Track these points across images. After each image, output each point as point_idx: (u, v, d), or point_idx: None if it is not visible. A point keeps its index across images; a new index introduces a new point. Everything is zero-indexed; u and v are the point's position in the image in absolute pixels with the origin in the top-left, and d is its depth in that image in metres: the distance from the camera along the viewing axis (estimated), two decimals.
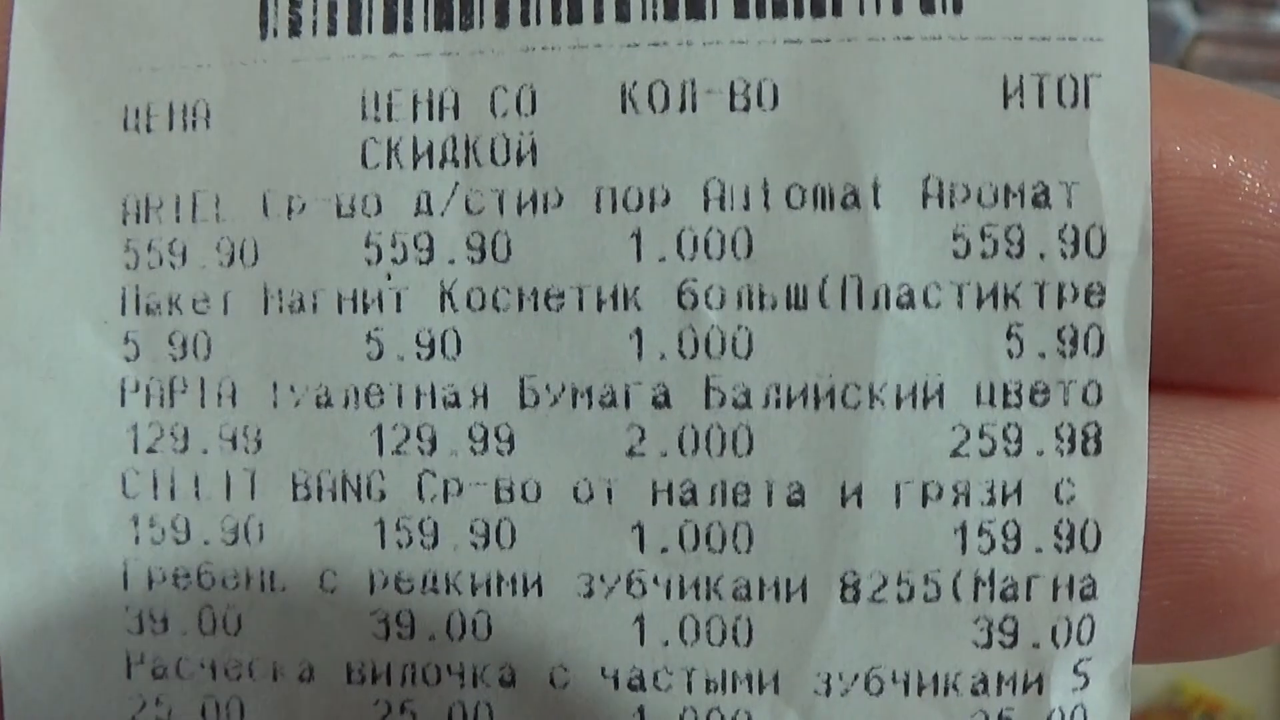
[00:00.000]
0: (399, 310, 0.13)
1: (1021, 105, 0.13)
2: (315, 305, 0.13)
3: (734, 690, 0.13)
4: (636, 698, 0.14)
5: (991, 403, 0.13)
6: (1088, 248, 0.13)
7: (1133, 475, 0.13)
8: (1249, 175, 0.12)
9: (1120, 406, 0.13)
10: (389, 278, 0.13)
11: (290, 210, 0.13)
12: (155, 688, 0.14)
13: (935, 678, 0.13)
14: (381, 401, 0.13)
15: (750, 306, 0.13)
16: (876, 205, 0.13)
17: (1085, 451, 0.13)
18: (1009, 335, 0.13)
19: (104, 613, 0.14)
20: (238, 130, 0.13)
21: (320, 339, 0.13)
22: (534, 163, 0.13)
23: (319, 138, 0.13)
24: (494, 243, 0.13)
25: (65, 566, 0.14)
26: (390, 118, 0.13)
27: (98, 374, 0.14)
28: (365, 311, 0.13)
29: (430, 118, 0.13)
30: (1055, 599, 0.13)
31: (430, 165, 0.13)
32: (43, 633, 0.14)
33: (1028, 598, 0.13)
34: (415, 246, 0.13)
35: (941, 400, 0.13)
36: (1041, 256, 0.13)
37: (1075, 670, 0.13)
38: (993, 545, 0.13)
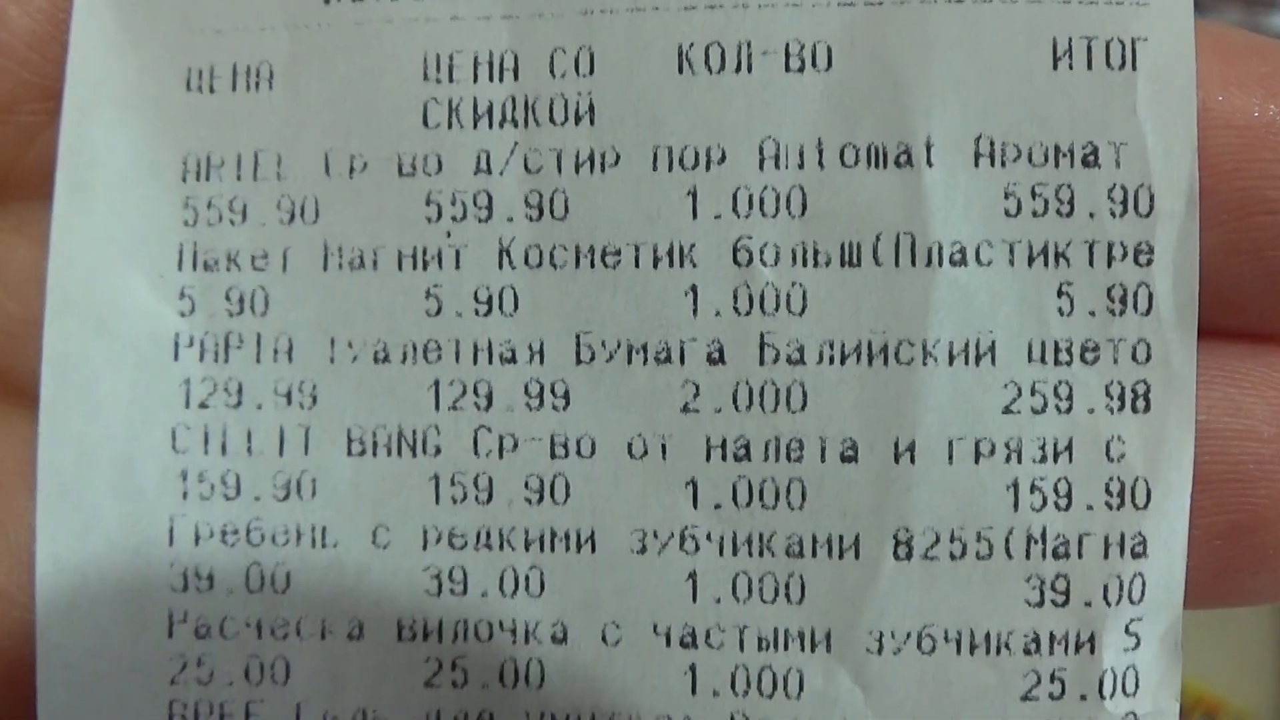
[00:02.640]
0: (458, 267, 0.14)
1: (1071, 67, 0.13)
2: (375, 262, 0.14)
3: (785, 648, 0.13)
4: (688, 655, 0.13)
5: (1043, 360, 0.13)
6: (1136, 207, 0.13)
7: (1181, 433, 0.13)
8: None
9: (1169, 365, 0.13)
10: (448, 235, 0.14)
11: (352, 169, 0.14)
12: (198, 647, 0.14)
13: (987, 637, 0.13)
14: (439, 357, 0.14)
15: (805, 264, 0.13)
16: (929, 164, 0.13)
17: (1135, 409, 0.13)
18: (1059, 294, 0.13)
19: (148, 569, 0.14)
20: (301, 91, 0.14)
21: (379, 295, 0.14)
22: (591, 122, 0.13)
23: (381, 98, 0.14)
24: (552, 201, 0.13)
25: (109, 521, 0.14)
26: (451, 79, 0.14)
27: (151, 328, 0.14)
28: (424, 268, 0.14)
29: (490, 79, 0.14)
30: (1106, 557, 0.13)
31: (490, 125, 0.14)
32: (82, 588, 0.14)
33: (1079, 555, 0.13)
34: (474, 205, 0.14)
35: (994, 357, 0.13)
36: (1091, 216, 0.13)
37: (1127, 630, 0.13)
38: (1044, 503, 0.13)
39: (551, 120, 0.14)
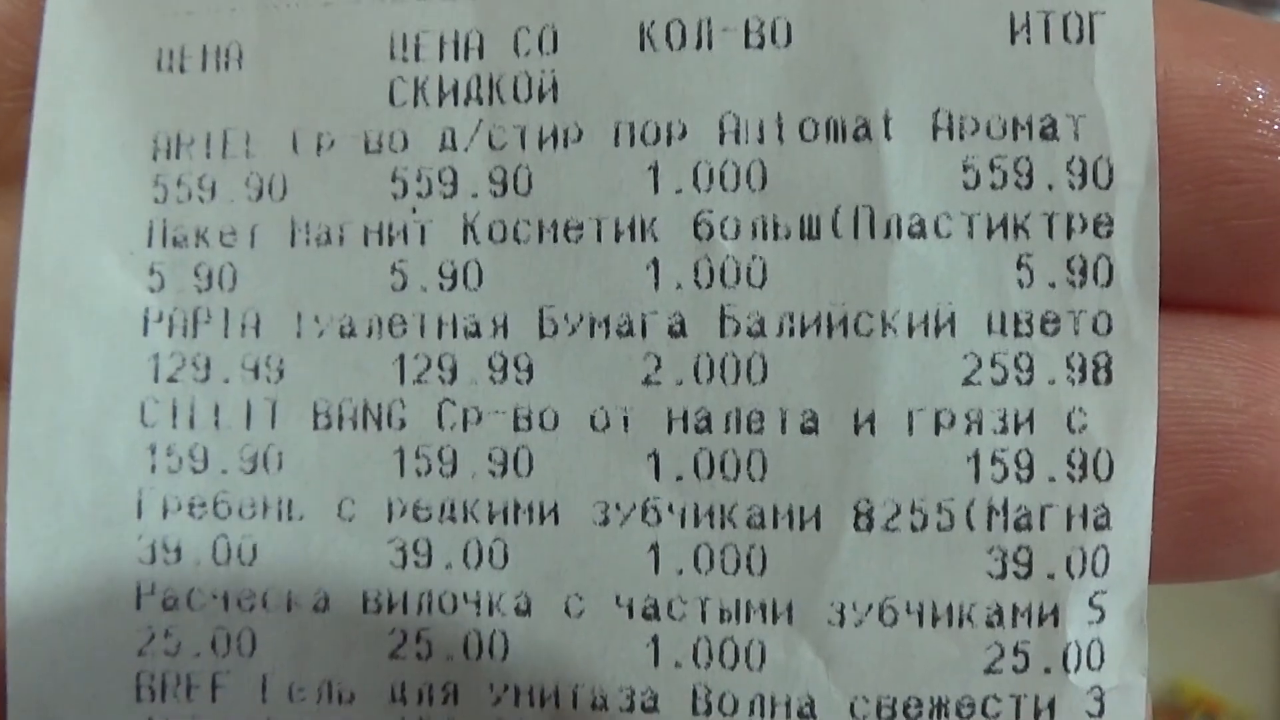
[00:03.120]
0: (423, 242, 0.14)
1: (1028, 41, 0.13)
2: (341, 238, 0.14)
3: (747, 620, 0.13)
4: (650, 627, 0.14)
5: (1003, 332, 0.13)
6: (1095, 179, 0.13)
7: (1144, 405, 0.13)
8: (1253, 93, 0.12)
9: (1130, 337, 0.13)
10: (414, 211, 0.14)
11: (319, 147, 0.14)
12: (165, 619, 0.14)
13: (950, 609, 0.13)
14: (404, 331, 0.14)
15: (764, 237, 0.13)
16: (888, 137, 0.13)
17: (1096, 381, 0.13)
18: (1019, 265, 0.13)
19: (116, 542, 0.14)
20: (270, 70, 0.14)
21: (345, 270, 0.14)
22: (555, 99, 0.14)
23: (348, 77, 0.14)
24: (515, 177, 0.14)
25: (79, 494, 0.14)
26: (417, 58, 0.14)
27: (121, 304, 0.14)
28: (390, 244, 0.14)
29: (456, 57, 0.14)
30: (1069, 529, 0.13)
31: (455, 103, 0.14)
32: (51, 559, 0.14)
33: (1041, 527, 0.13)
34: (440, 181, 0.14)
35: (953, 329, 0.13)
36: (1050, 188, 0.13)
37: (1090, 603, 0.13)
38: (1006, 474, 0.13)
39: (516, 98, 0.14)
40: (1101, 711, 0.13)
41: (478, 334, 0.14)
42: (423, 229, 0.14)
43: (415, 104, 0.14)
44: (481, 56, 0.14)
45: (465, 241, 0.14)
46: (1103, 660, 0.13)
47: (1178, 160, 0.13)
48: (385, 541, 0.14)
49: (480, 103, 0.14)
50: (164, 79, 0.14)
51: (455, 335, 0.14)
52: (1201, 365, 0.13)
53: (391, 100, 0.14)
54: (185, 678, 0.14)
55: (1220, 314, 0.14)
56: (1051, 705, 0.13)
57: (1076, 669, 0.13)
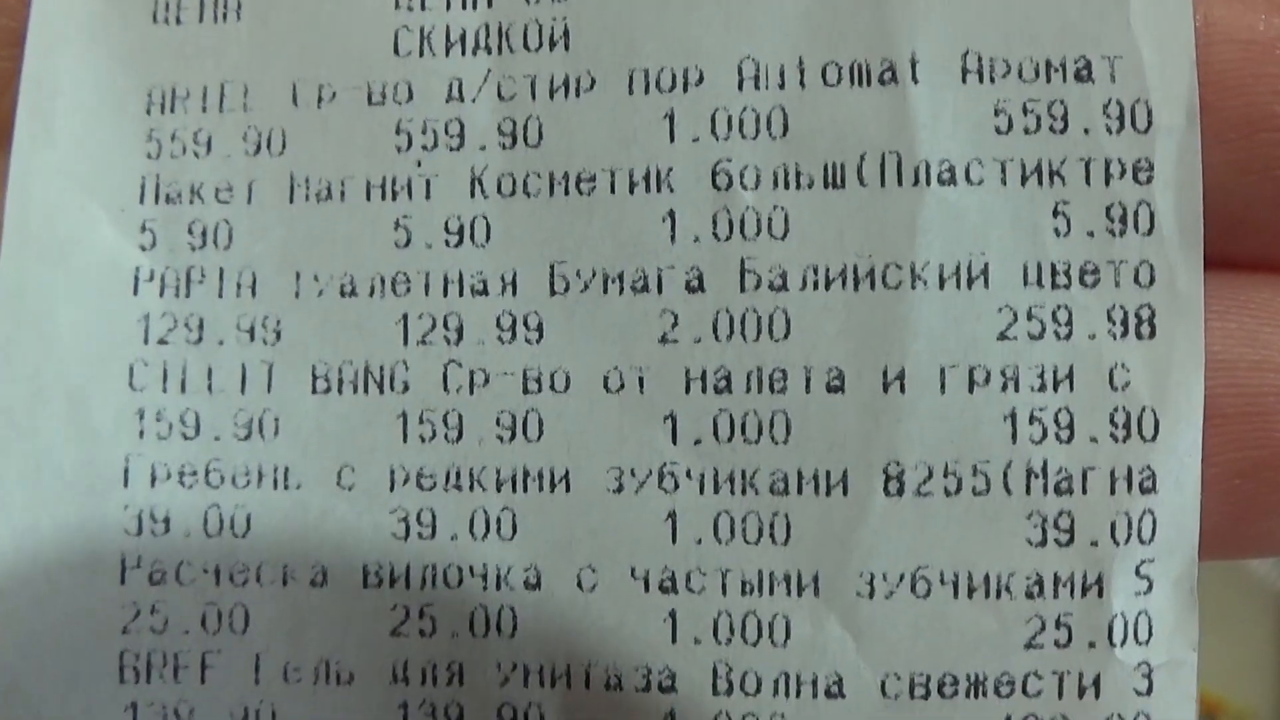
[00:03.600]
0: (428, 198, 0.13)
1: None
2: (343, 193, 0.13)
3: (771, 593, 0.13)
4: (668, 601, 0.13)
5: (1039, 283, 0.12)
6: (1134, 123, 0.12)
7: (1190, 361, 0.12)
8: None
9: (1174, 288, 0.12)
10: (419, 165, 0.13)
11: (320, 99, 0.13)
12: (152, 594, 0.13)
13: (986, 579, 0.12)
14: (408, 290, 0.13)
15: (786, 186, 0.13)
16: (915, 80, 0.13)
17: (1139, 335, 0.12)
18: (1055, 213, 0.12)
19: (101, 511, 0.13)
20: (268, 21, 0.13)
21: (347, 227, 0.13)
22: (566, 47, 0.13)
23: (350, 27, 0.13)
24: (525, 128, 0.13)
25: (62, 461, 0.13)
26: (423, 7, 0.13)
27: (111, 263, 0.13)
28: (394, 199, 0.13)
29: (463, 6, 0.13)
30: (1113, 492, 0.12)
31: (463, 52, 0.13)
32: (32, 531, 0.13)
33: (1084, 491, 0.12)
34: (446, 133, 0.13)
35: (986, 280, 0.12)
36: (1086, 132, 0.12)
37: (1137, 572, 0.12)
38: (1044, 434, 0.12)
39: (526, 46, 0.13)
40: (1150, 689, 0.12)
41: (485, 292, 0.13)
42: (428, 183, 0.13)
43: (420, 54, 0.13)
44: (490, 4, 0.13)
45: (473, 196, 0.13)
46: (1151, 634, 0.12)
47: (1220, 107, 0.12)
48: (387, 511, 0.13)
49: (489, 52, 0.13)
50: (159, 31, 0.13)
51: (462, 294, 0.13)
52: (1249, 325, 0.13)
53: (396, 50, 0.13)
54: (173, 657, 0.13)
55: (1268, 273, 0.13)
56: (1096, 682, 0.12)
57: (1123, 643, 0.12)
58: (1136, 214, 0.12)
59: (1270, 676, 0.46)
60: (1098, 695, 0.12)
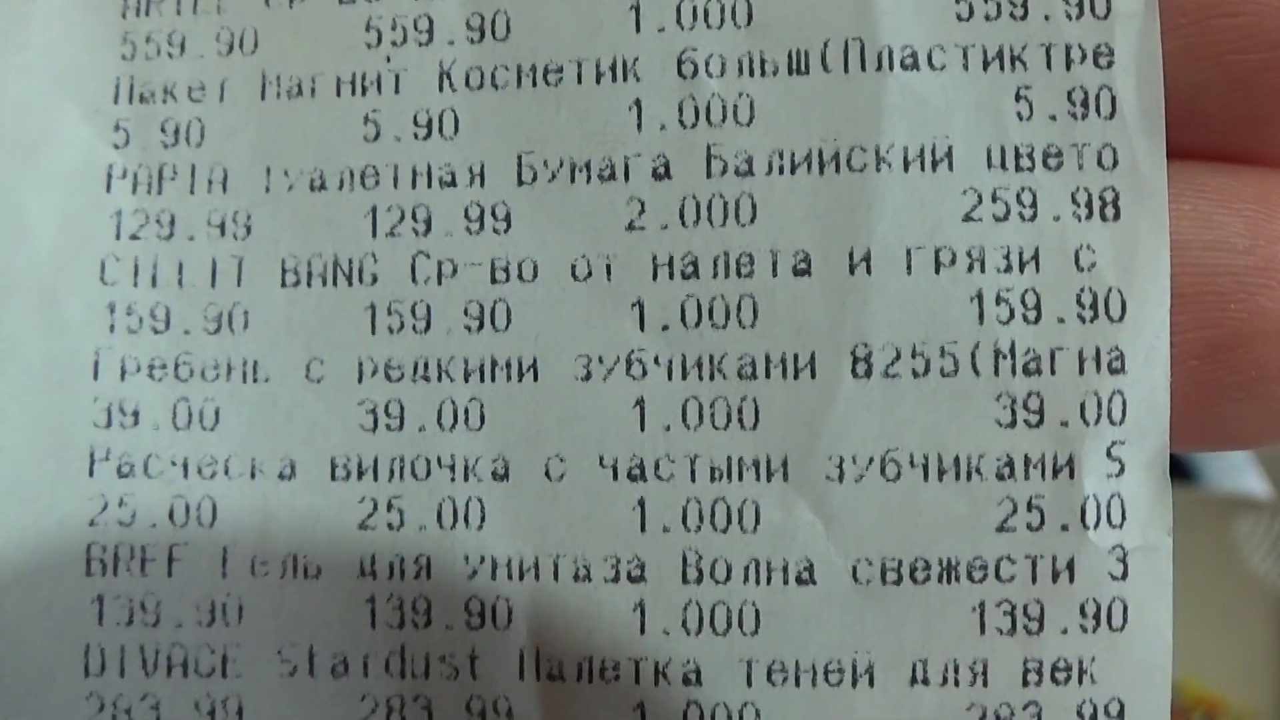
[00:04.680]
0: (397, 92, 0.13)
1: None
2: (313, 90, 0.13)
3: (740, 478, 0.13)
4: (637, 489, 0.13)
5: (1003, 166, 0.12)
6: (1093, 9, 0.12)
7: (1155, 242, 0.12)
8: None
9: (1137, 171, 0.12)
10: (388, 60, 0.13)
11: None
12: (119, 487, 0.13)
13: (957, 460, 0.12)
14: (377, 183, 0.13)
15: (751, 74, 0.13)
16: None
17: (1104, 217, 0.12)
18: (1018, 98, 0.13)
19: (69, 404, 0.13)
20: None
21: (317, 123, 0.13)
22: None
23: None
24: (493, 22, 0.13)
25: (31, 354, 0.13)
26: None
27: (84, 160, 0.13)
28: (363, 94, 0.13)
29: None
30: (1082, 373, 0.12)
31: None
32: (0, 423, 0.13)
33: (1052, 372, 0.12)
34: (415, 29, 0.13)
35: (951, 163, 0.13)
36: (1046, 18, 0.13)
37: (1109, 454, 0.12)
38: (1012, 315, 0.12)
39: None
40: (1125, 574, 0.12)
41: (453, 184, 0.13)
42: (397, 78, 0.13)
43: None
44: None
45: (441, 90, 0.13)
46: (1124, 518, 0.12)
47: None
48: (355, 403, 0.13)
49: None
50: None
51: (430, 186, 0.13)
52: (1204, 207, 0.13)
53: None
54: (140, 550, 0.13)
55: (1222, 161, 0.13)
56: (1070, 566, 0.12)
57: (1096, 526, 0.12)
58: (1098, 98, 0.12)
59: (1270, 676, 0.46)
60: (1072, 580, 0.12)
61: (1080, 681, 0.12)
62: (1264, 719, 0.45)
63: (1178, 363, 0.12)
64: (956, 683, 0.12)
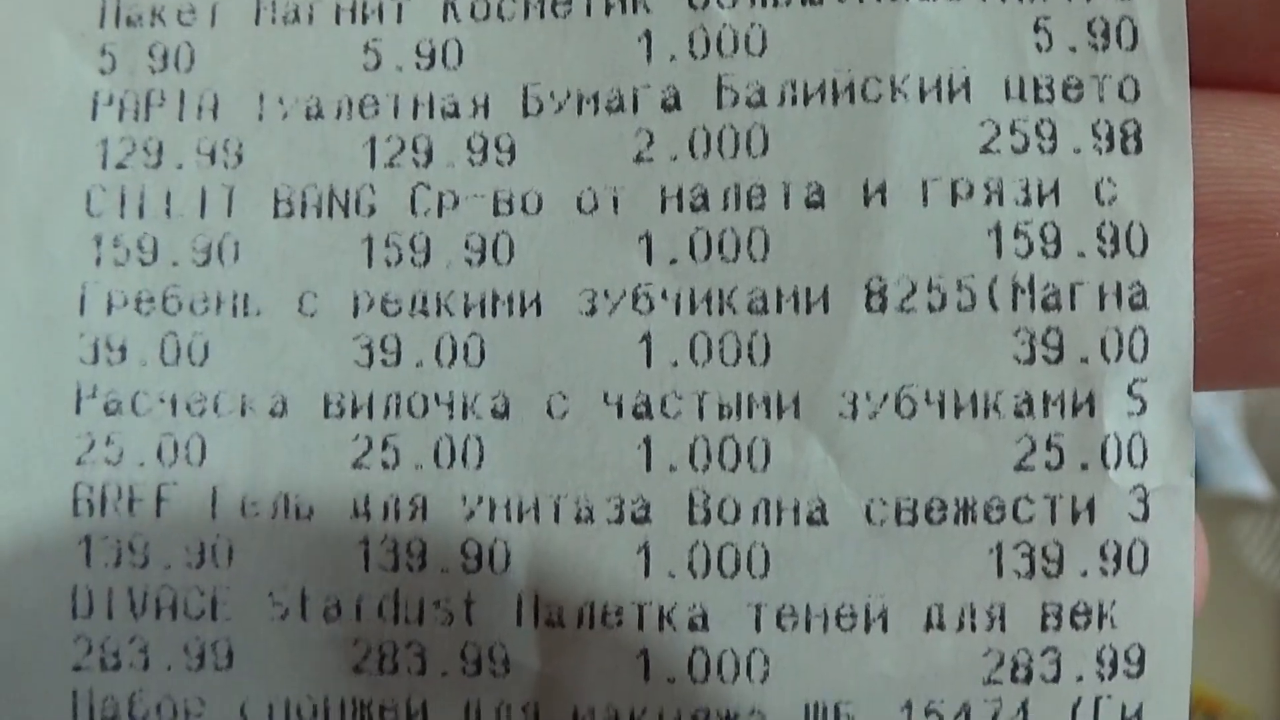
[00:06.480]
0: (399, 21, 0.13)
1: None
2: (311, 16, 0.13)
3: (749, 415, 0.12)
4: (642, 426, 0.12)
5: (1021, 98, 0.12)
6: None
7: (1178, 176, 0.12)
8: None
9: (1159, 102, 0.12)
10: None
11: None
12: (107, 424, 0.12)
13: (974, 397, 0.12)
14: (376, 113, 0.13)
15: (764, 3, 0.12)
16: None
17: (1125, 150, 0.12)
18: (1036, 28, 0.12)
19: (56, 340, 0.12)
20: None
21: (314, 50, 0.13)
22: None
23: None
24: None
25: (17, 289, 0.13)
26: None
27: (69, 88, 0.13)
28: (364, 22, 0.13)
29: None
30: (1102, 308, 0.12)
31: None
32: None
33: (1072, 307, 0.12)
34: None
35: (968, 94, 0.12)
36: None
37: (1130, 392, 0.12)
38: (1030, 249, 0.12)
39: None
40: (1146, 515, 0.12)
41: (456, 114, 0.13)
42: (399, 7, 0.13)
43: None
44: None
45: (445, 20, 0.13)
46: (1146, 457, 0.12)
47: None
48: (350, 338, 0.12)
49: None
50: None
51: (432, 116, 0.13)
52: (1243, 135, 0.12)
53: None
54: (128, 489, 0.12)
55: (1259, 91, 0.13)
56: (1090, 506, 0.12)
57: (1117, 465, 0.12)
58: (1119, 29, 0.12)
59: (1270, 676, 0.46)
60: (1092, 520, 0.12)
61: (1100, 626, 0.12)
62: (1264, 719, 0.45)
63: (1222, 293, 0.12)
64: (973, 627, 0.12)
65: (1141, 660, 0.12)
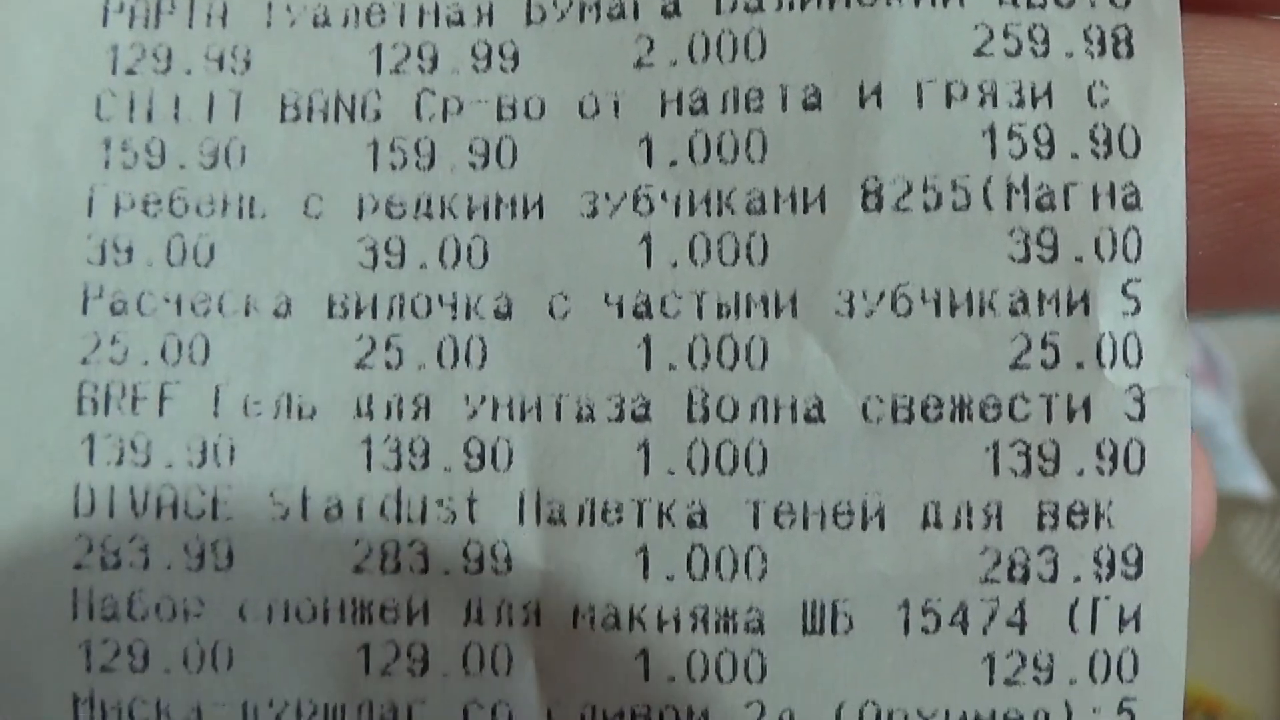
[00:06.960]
0: None
1: None
2: None
3: (748, 314, 0.12)
4: (642, 326, 0.12)
5: (1014, 3, 0.12)
6: None
7: (1169, 80, 0.12)
8: None
9: (1150, 8, 0.12)
10: None
11: None
12: (112, 324, 0.13)
13: (969, 296, 0.12)
14: (382, 20, 0.13)
15: None
16: None
17: (1117, 55, 0.12)
18: None
19: (63, 241, 0.13)
20: None
21: None
22: None
23: None
24: None
25: (25, 191, 0.13)
26: None
27: None
28: None
29: None
30: (1096, 208, 0.12)
31: None
32: None
33: (1066, 207, 0.12)
34: None
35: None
36: None
37: (1124, 291, 0.12)
38: (1024, 150, 0.12)
39: None
40: (1142, 414, 0.12)
41: (461, 22, 0.13)
42: None
43: None
44: None
45: None
46: (1141, 357, 0.12)
47: None
48: (354, 240, 0.13)
49: None
50: None
51: (437, 24, 0.13)
52: (1240, 52, 0.12)
53: None
54: (131, 388, 0.13)
55: (1254, 11, 0.13)
56: (1086, 405, 0.12)
57: (1112, 364, 0.12)
58: None
59: (1270, 676, 0.45)
60: (1088, 419, 0.12)
61: (1097, 526, 0.12)
62: (1264, 719, 0.44)
63: (1221, 205, 0.12)
64: (970, 525, 0.12)
65: (1139, 562, 0.12)
